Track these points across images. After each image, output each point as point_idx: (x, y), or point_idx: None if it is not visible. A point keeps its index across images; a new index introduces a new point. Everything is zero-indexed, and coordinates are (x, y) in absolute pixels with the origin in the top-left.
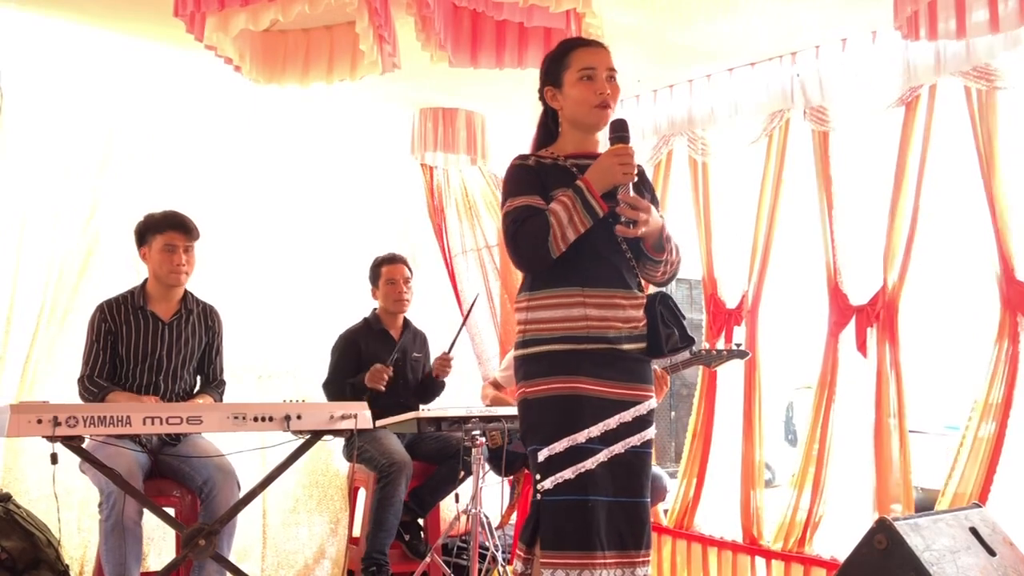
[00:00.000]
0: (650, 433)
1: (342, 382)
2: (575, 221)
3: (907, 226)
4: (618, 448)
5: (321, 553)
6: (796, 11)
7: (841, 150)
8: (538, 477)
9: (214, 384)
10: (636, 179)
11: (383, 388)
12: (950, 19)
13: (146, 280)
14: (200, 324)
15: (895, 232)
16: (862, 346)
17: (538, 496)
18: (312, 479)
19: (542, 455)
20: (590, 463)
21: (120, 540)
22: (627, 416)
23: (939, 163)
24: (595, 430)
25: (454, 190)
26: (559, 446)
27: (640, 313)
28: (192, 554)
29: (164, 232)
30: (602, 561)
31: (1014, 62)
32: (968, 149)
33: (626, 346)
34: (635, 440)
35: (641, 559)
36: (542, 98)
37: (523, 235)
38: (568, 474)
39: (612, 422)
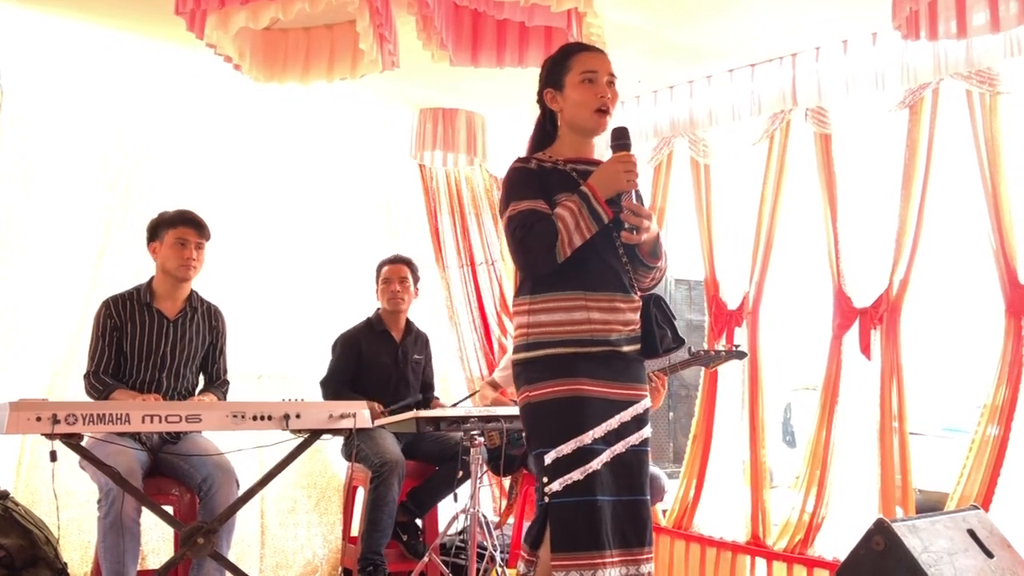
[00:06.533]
0: (647, 432)
1: (340, 382)
2: (582, 227)
3: (912, 229)
4: (619, 447)
5: (319, 554)
6: (796, 12)
7: (843, 152)
8: (545, 480)
9: (218, 383)
10: (638, 186)
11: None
12: (950, 20)
13: (152, 278)
14: (204, 323)
15: (900, 235)
16: (866, 348)
17: (545, 499)
18: (310, 480)
19: (549, 458)
20: (596, 463)
21: (118, 538)
22: (626, 416)
23: (943, 167)
24: (599, 431)
25: (452, 194)
26: (566, 448)
27: (636, 316)
28: (191, 552)
29: (177, 227)
30: (610, 560)
31: (1016, 67)
32: (972, 153)
33: (625, 348)
34: (635, 439)
35: (645, 556)
36: (541, 100)
37: (531, 240)
38: (576, 475)
39: (613, 422)
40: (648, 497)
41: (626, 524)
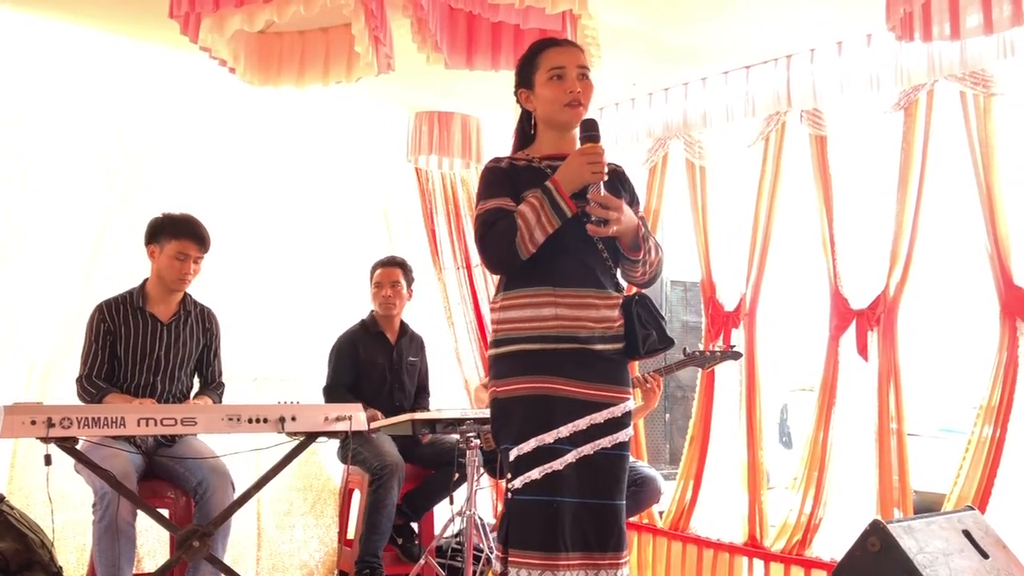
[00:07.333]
0: (623, 436)
1: (342, 387)
2: (543, 222)
3: (908, 231)
4: (587, 449)
5: (315, 556)
6: (791, 14)
7: (839, 153)
8: (509, 476)
9: (213, 386)
10: (606, 178)
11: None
12: (944, 21)
13: (145, 280)
14: (198, 326)
15: (896, 237)
16: (863, 350)
17: (509, 495)
18: (306, 482)
19: (512, 454)
20: (558, 464)
21: (113, 541)
22: (599, 417)
23: (938, 168)
24: (564, 431)
25: (448, 197)
26: (527, 446)
27: (616, 313)
28: (186, 556)
29: (180, 239)
30: (565, 562)
31: (1009, 68)
32: (966, 155)
33: (599, 346)
34: (605, 442)
35: (608, 561)
36: (518, 101)
37: (492, 237)
38: (535, 474)
39: (582, 423)
40: (621, 502)
41: (588, 527)
